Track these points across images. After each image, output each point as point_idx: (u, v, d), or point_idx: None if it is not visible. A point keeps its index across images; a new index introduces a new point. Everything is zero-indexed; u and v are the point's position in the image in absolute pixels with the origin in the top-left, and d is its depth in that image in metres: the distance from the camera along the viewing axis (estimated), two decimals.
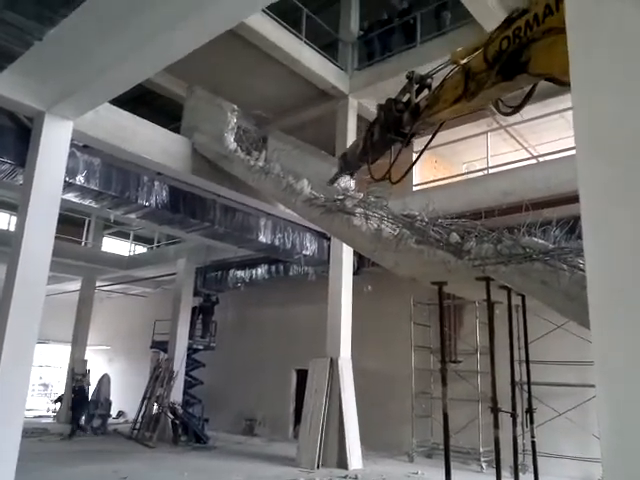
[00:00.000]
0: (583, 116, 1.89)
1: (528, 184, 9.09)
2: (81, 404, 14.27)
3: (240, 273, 14.71)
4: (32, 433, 12.64)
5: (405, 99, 5.69)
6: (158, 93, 12.62)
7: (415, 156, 6.22)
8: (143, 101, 13.29)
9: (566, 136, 11.19)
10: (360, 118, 11.43)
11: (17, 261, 6.36)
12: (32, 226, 6.56)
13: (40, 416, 18.04)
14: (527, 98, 4.36)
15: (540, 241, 4.67)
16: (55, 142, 6.97)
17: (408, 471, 9.67)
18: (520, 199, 7.64)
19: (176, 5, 4.91)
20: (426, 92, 5.47)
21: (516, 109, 4.54)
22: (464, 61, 4.69)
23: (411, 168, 5.97)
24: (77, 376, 15.29)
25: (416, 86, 5.52)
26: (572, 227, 4.83)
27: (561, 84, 3.94)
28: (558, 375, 9.32)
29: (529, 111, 10.29)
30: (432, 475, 9.11)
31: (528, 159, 11.38)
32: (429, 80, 5.49)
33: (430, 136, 5.85)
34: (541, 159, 10.62)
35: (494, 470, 5.75)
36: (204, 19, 4.97)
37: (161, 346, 15.19)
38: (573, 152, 1.95)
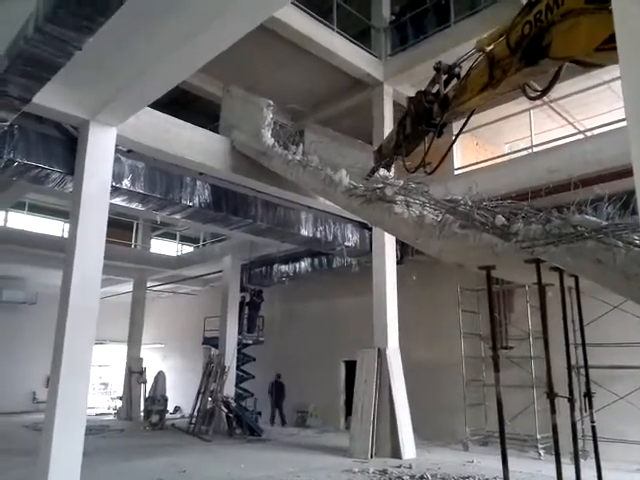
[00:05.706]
0: (633, 86, 1.79)
1: (576, 160, 8.75)
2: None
3: (284, 267, 14.87)
4: (94, 430, 13.20)
5: (434, 90, 5.73)
6: (195, 94, 12.83)
7: (456, 144, 6.22)
8: (181, 103, 13.54)
9: (615, 108, 10.69)
10: (396, 105, 11.25)
11: (72, 266, 6.62)
12: (84, 231, 6.82)
13: (101, 414, 18.86)
14: (554, 81, 4.29)
15: (592, 218, 4.47)
16: (101, 149, 7.21)
17: (463, 460, 9.55)
18: (568, 176, 7.36)
19: (210, 3, 4.97)
20: (455, 81, 5.48)
21: (543, 92, 4.47)
22: (489, 48, 4.65)
23: (444, 159, 6.07)
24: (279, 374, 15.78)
25: (444, 76, 5.55)
26: (626, 202, 4.61)
27: (585, 65, 3.89)
28: (617, 357, 8.96)
29: (573, 85, 9.91)
30: (488, 463, 8.96)
31: (575, 134, 10.92)
32: (457, 69, 5.55)
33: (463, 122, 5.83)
34: (589, 133, 10.17)
35: (552, 457, 5.59)
36: (238, 15, 5.00)
37: (212, 342, 15.57)
38: (624, 124, 1.85)
